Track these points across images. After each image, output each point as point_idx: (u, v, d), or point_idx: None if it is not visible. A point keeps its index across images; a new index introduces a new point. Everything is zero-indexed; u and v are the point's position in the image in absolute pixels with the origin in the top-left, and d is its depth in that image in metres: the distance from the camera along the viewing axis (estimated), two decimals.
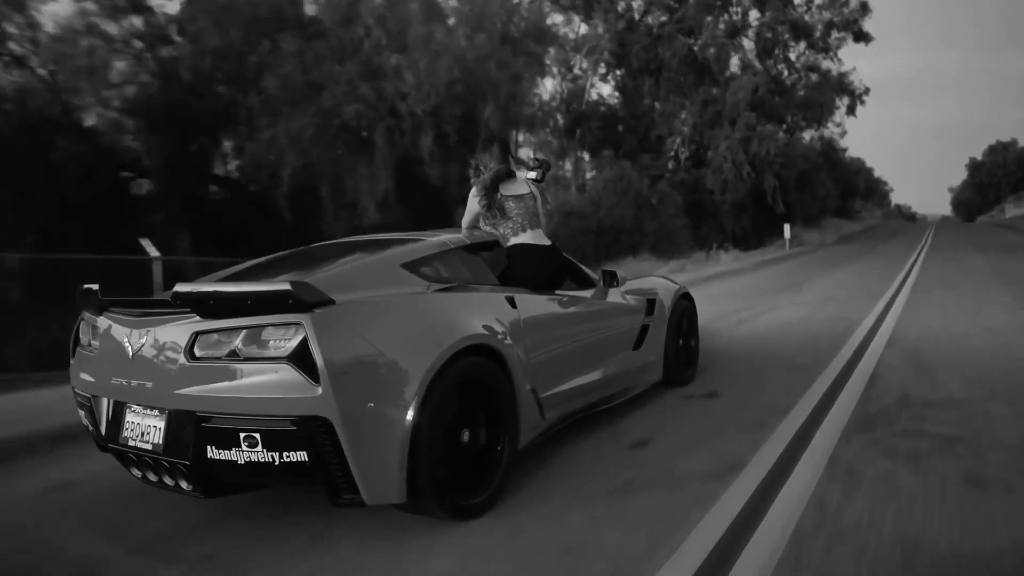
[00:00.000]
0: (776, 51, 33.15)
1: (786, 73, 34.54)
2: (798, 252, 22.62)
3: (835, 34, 33.65)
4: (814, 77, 34.69)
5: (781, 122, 32.73)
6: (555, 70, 29.93)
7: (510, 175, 3.73)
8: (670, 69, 29.69)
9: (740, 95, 28.33)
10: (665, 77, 30.26)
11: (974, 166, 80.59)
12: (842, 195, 47.32)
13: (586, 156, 30.81)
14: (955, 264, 14.90)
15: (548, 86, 29.65)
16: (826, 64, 34.60)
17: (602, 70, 31.09)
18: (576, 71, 30.39)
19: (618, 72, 31.31)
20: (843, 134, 39.60)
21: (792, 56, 34.40)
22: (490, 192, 3.65)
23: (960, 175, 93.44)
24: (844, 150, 48.90)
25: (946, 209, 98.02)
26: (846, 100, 35.92)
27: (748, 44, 32.64)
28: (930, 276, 12.40)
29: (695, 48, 29.66)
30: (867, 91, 35.63)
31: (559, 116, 29.73)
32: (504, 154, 3.75)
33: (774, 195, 28.35)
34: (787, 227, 25.04)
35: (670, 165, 29.07)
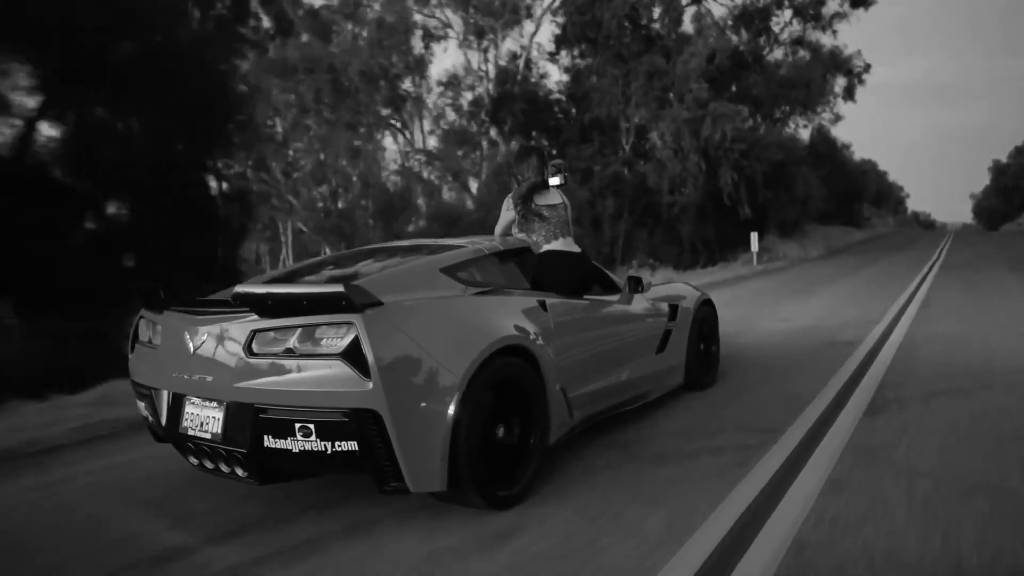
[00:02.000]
0: (755, 21, 26.80)
1: (769, 50, 28.06)
2: (763, 271, 17.44)
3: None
4: (802, 53, 28.66)
5: (757, 105, 26.43)
6: (474, 42, 25.89)
7: (544, 186, 3.92)
8: (609, 33, 23.60)
9: (692, 64, 22.32)
10: (603, 44, 24.05)
11: (998, 170, 74.66)
12: (847, 199, 41.79)
13: (507, 146, 25.76)
14: (975, 293, 10.26)
15: (454, 59, 26.26)
16: (817, 36, 28.42)
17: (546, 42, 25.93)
18: (511, 46, 25.92)
19: (565, 51, 26.22)
20: (835, 120, 32.16)
21: (776, 27, 27.85)
22: (526, 202, 3.84)
23: (984, 182, 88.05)
24: (847, 146, 42.79)
25: (968, 217, 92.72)
26: (843, 82, 29.86)
27: (720, 11, 27.28)
28: (935, 321, 7.61)
29: (639, 8, 23.98)
30: (867, 68, 29.79)
31: (469, 96, 26.16)
32: (541, 166, 3.95)
33: (734, 194, 22.09)
34: (754, 237, 19.60)
35: (621, 155, 23.75)
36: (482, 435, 2.79)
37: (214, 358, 2.77)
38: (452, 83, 27.28)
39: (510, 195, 3.99)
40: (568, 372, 3.41)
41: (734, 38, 26.02)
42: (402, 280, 3.06)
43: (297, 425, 2.55)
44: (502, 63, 26.66)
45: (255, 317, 2.69)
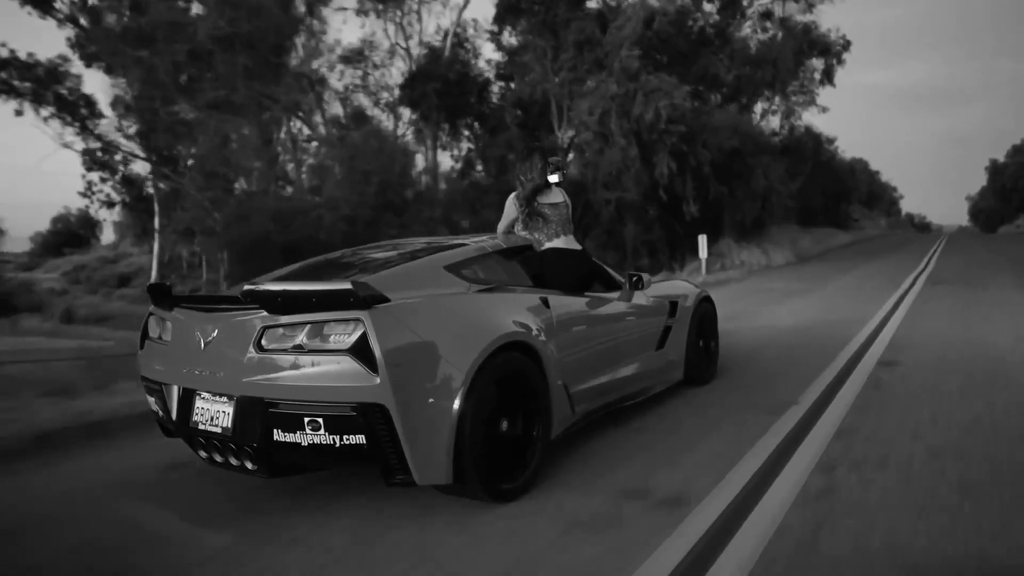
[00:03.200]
0: None
1: (735, 25, 24.45)
2: (712, 283, 13.66)
3: None
4: (771, 28, 24.91)
5: (717, 86, 23.14)
6: (373, 9, 22.57)
7: (547, 186, 3.99)
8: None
9: (626, 30, 18.76)
10: (528, 11, 21.05)
11: (995, 170, 70.45)
12: (835, 198, 38.48)
13: (432, 135, 23.05)
14: (971, 323, 7.51)
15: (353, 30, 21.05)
16: (791, 12, 24.85)
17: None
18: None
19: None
20: (815, 107, 28.35)
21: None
22: (530, 201, 3.92)
23: (980, 184, 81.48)
24: (831, 141, 37.88)
25: (964, 219, 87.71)
26: (820, 65, 26.37)
27: None
28: (899, 405, 4.30)
29: None
30: (847, 47, 26.66)
31: (387, 76, 22.95)
32: (544, 165, 4.01)
33: (679, 187, 18.33)
34: (703, 241, 15.88)
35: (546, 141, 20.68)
36: (486, 429, 2.85)
37: (224, 354, 2.83)
38: (356, 59, 23.18)
39: (514, 194, 4.06)
40: (570, 368, 3.48)
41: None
42: (408, 277, 3.12)
43: (306, 419, 2.61)
44: (437, 41, 23.41)
45: (265, 314, 2.75)
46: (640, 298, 4.36)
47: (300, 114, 21.92)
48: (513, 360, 3.05)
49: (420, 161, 23.42)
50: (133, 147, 22.07)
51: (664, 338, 4.57)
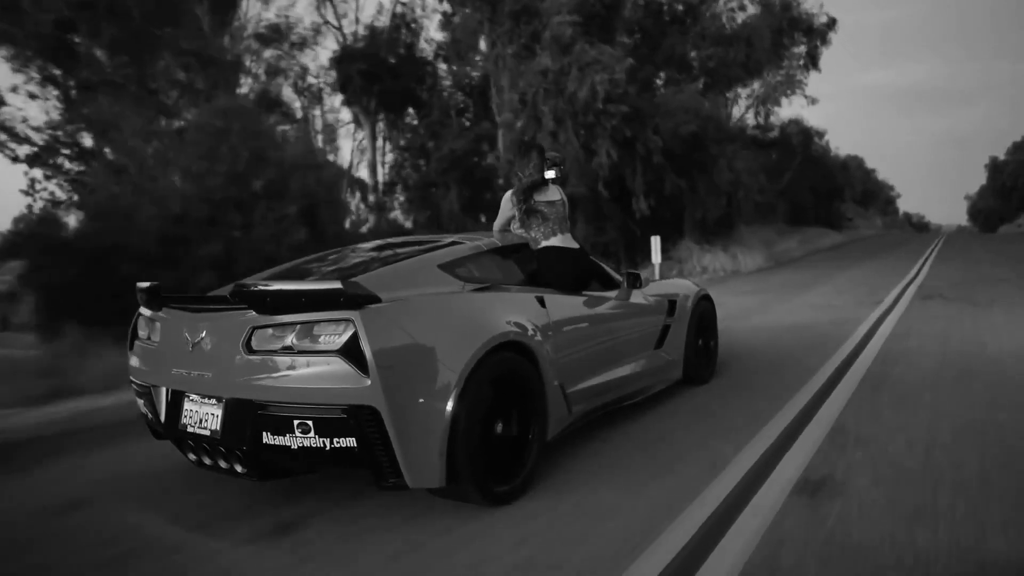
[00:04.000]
0: None
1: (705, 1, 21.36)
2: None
3: None
4: (749, 6, 22.18)
5: (686, 68, 20.75)
6: None
7: (544, 183, 3.93)
8: None
9: None
10: None
11: (995, 167, 67.35)
12: (826, 197, 36.14)
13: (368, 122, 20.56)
14: (970, 350, 5.69)
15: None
16: None
17: None
18: None
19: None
20: (789, 88, 24.53)
21: None
22: (526, 199, 3.85)
23: (979, 183, 78.53)
24: (820, 134, 34.59)
25: (963, 219, 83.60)
26: (804, 48, 23.68)
27: None
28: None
29: None
30: (833, 24, 24.52)
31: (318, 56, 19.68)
32: (541, 162, 3.95)
33: (616, 179, 15.65)
34: (655, 243, 12.61)
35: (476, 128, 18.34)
36: (481, 431, 2.80)
37: (213, 355, 2.78)
38: (273, 37, 20.04)
39: (510, 192, 4.00)
40: (566, 368, 3.42)
41: None
42: (401, 276, 3.06)
43: (296, 422, 2.55)
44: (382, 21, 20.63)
45: (254, 314, 2.70)
46: (638, 297, 4.30)
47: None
48: (508, 360, 2.99)
49: (348, 155, 20.22)
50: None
51: (663, 337, 4.51)
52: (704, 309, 5.06)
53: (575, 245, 3.93)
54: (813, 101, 27.57)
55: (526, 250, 3.86)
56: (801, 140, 30.10)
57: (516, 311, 3.20)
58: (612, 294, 4.11)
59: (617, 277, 4.29)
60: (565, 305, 3.58)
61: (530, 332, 3.16)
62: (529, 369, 3.11)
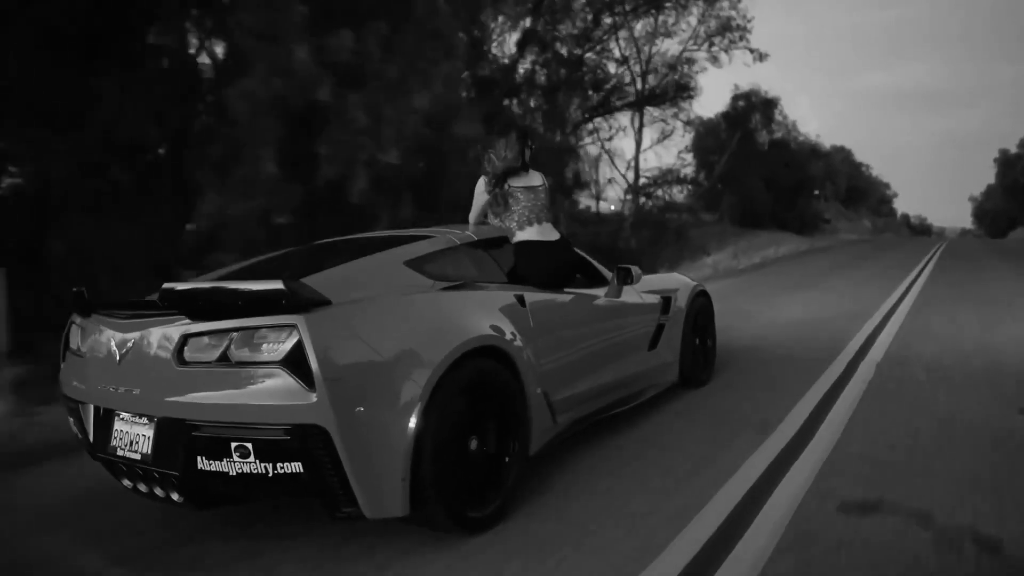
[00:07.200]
0: None
1: None
2: None
3: None
4: None
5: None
6: None
7: (524, 167, 3.55)
8: None
9: None
10: None
11: (1006, 162, 58.32)
12: (791, 192, 29.57)
13: None
14: None
15: None
16: None
17: None
18: None
19: None
20: (721, 32, 20.42)
21: None
22: (499, 183, 3.48)
23: (984, 185, 69.13)
24: (773, 103, 27.93)
25: (968, 221, 74.69)
26: None
27: None
28: None
29: None
30: None
31: None
32: (522, 145, 3.56)
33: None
34: None
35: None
36: (451, 449, 2.46)
37: (142, 368, 2.42)
38: None
39: (484, 177, 3.62)
40: (550, 374, 3.08)
41: None
42: (359, 275, 2.72)
43: (233, 444, 2.20)
44: None
45: (187, 320, 2.35)
46: (629, 294, 3.96)
47: None
48: (483, 367, 2.65)
49: None
50: None
51: (657, 337, 4.17)
52: (701, 306, 4.73)
53: (556, 236, 3.55)
54: (762, 57, 22.25)
55: (506, 244, 3.51)
56: (744, 111, 23.60)
57: (492, 312, 2.85)
58: (600, 291, 3.76)
59: (605, 272, 3.94)
60: (548, 304, 3.24)
61: (508, 335, 2.82)
62: (507, 376, 2.77)
